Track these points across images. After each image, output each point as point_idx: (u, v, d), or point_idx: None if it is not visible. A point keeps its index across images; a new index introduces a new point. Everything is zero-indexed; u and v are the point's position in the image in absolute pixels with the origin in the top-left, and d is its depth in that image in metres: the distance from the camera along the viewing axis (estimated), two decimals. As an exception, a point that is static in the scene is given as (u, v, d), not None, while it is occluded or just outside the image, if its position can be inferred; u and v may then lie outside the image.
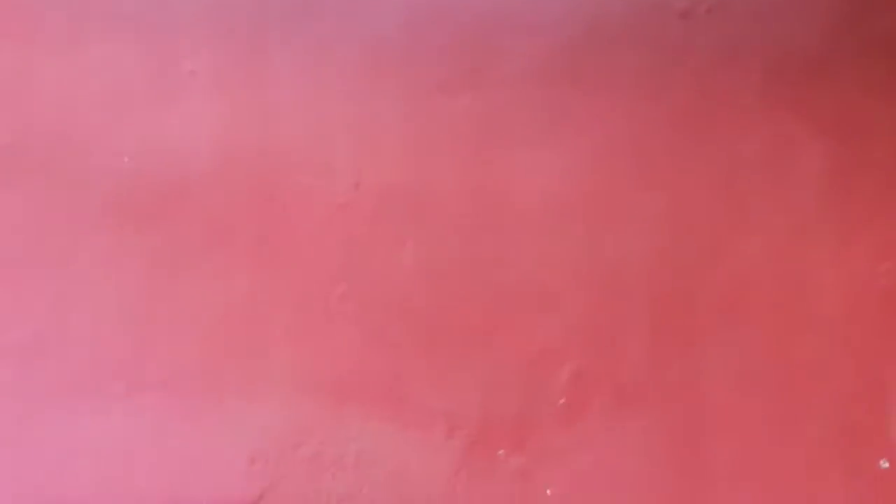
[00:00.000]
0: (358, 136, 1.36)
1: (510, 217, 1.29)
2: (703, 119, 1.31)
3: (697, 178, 1.28)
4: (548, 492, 1.23)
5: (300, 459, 1.28)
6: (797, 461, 1.23)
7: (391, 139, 1.35)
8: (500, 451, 1.25)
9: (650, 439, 1.24)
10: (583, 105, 1.32)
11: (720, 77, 1.32)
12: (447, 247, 1.30)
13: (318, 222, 1.35)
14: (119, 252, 1.34)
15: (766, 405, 1.24)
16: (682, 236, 1.28)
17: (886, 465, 1.23)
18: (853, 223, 1.28)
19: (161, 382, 1.30)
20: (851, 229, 1.28)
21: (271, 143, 1.37)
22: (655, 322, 1.26)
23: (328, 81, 1.37)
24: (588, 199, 1.29)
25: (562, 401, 1.25)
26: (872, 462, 1.24)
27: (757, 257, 1.27)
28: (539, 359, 1.26)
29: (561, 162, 1.29)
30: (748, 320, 1.26)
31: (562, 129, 1.33)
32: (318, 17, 1.37)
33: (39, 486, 1.25)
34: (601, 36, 1.33)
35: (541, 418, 1.25)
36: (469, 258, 1.30)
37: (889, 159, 1.30)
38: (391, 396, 1.29)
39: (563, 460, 1.24)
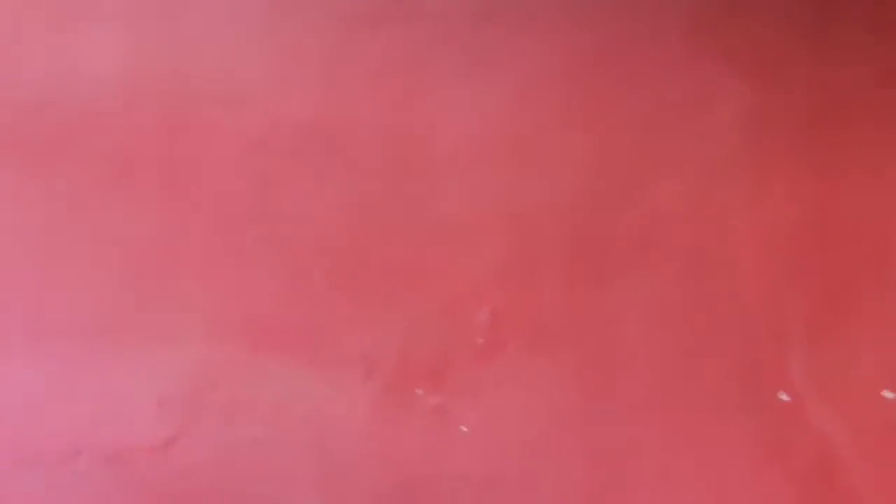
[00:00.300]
0: (275, 68, 1.31)
1: (432, 156, 1.27)
2: (626, 61, 1.31)
3: (620, 119, 1.28)
4: (463, 429, 1.24)
5: (212, 403, 1.25)
6: (703, 395, 1.28)
7: (310, 73, 1.30)
8: (418, 391, 1.25)
9: (564, 377, 1.26)
10: (508, 44, 1.31)
11: (645, 19, 1.33)
12: (366, 186, 1.27)
13: (232, 159, 1.29)
14: (18, 189, 1.27)
15: (676, 342, 1.28)
16: (603, 177, 1.28)
17: (785, 398, 1.29)
18: (768, 166, 1.32)
19: (65, 326, 1.24)
20: (766, 172, 1.32)
21: (183, 75, 1.31)
22: (573, 263, 1.27)
23: (244, 10, 1.30)
24: (511, 139, 1.28)
25: (480, 341, 1.26)
26: (772, 395, 1.30)
27: (675, 198, 1.29)
28: (458, 299, 1.26)
29: (485, 100, 1.28)
30: (663, 260, 1.29)
31: (487, 68, 1.31)
32: (233, -59, 1.30)
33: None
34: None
35: (459, 358, 1.25)
36: (389, 198, 1.27)
37: (805, 104, 1.33)
38: (308, 338, 1.26)
39: (480, 398, 1.25)
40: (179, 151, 1.29)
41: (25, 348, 1.23)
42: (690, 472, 1.28)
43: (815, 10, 1.34)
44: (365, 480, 1.24)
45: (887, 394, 1.32)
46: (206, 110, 1.30)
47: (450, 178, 1.27)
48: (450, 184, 1.27)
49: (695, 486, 1.28)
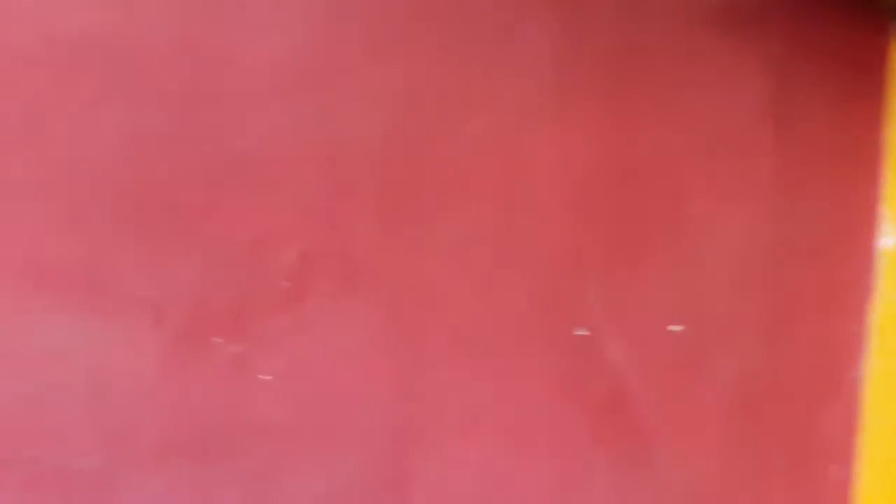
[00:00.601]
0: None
1: (232, 81, 1.14)
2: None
3: (430, 53, 1.23)
4: (266, 378, 1.17)
5: (-28, 359, 1.09)
6: (507, 330, 1.30)
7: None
8: (216, 339, 1.16)
9: (373, 319, 1.22)
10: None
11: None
12: (157, 113, 1.13)
13: (-6, 78, 1.12)
14: None
15: (484, 280, 1.28)
16: (414, 112, 1.23)
17: (582, 332, 1.34)
18: (574, 104, 1.33)
19: None
20: (572, 110, 1.33)
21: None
22: (384, 200, 1.22)
23: None
24: (319, 68, 1.18)
25: (285, 284, 1.19)
26: (570, 330, 1.34)
27: (484, 135, 1.27)
28: (261, 239, 1.17)
29: (291, 24, 1.16)
30: (473, 197, 1.27)
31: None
32: None
33: None
34: None
35: (262, 303, 1.17)
36: (183, 126, 1.14)
37: (614, 41, 1.36)
38: (87, 282, 1.12)
39: (284, 345, 1.18)
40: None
41: None
42: (494, 410, 1.30)
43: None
44: (155, 437, 1.14)
45: (673, 328, 1.41)
46: (-40, 19, 1.11)
47: (251, 107, 1.15)
48: (250, 113, 1.16)
49: (498, 424, 1.30)
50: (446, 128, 1.25)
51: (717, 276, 1.45)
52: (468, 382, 1.28)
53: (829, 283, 1.56)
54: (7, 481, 1.11)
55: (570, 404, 1.35)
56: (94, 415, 1.13)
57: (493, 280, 1.29)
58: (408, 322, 1.24)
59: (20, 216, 1.11)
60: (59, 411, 1.12)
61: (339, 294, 1.20)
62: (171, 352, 1.15)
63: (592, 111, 1.34)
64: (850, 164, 1.57)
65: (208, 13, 1.14)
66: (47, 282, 1.12)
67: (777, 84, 1.48)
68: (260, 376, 1.16)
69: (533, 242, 1.31)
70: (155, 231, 1.14)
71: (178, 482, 1.15)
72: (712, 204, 1.44)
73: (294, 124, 1.18)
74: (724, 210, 1.45)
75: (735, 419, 1.49)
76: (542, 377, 1.33)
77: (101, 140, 1.12)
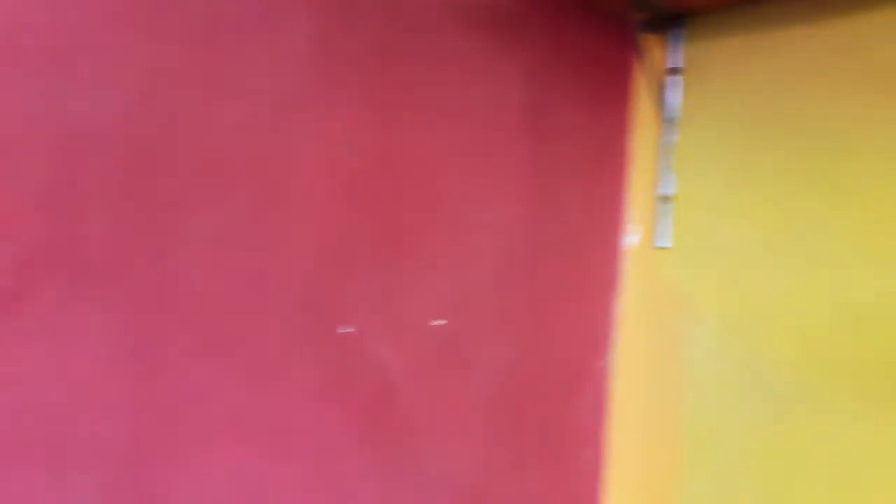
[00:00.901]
0: None
1: None
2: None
3: (181, 32, 1.10)
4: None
5: None
6: (266, 330, 1.22)
7: None
8: None
9: (109, 321, 1.08)
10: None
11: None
12: None
13: None
14: None
15: (240, 277, 1.20)
16: (161, 96, 1.11)
17: (346, 330, 1.30)
18: (336, 95, 1.29)
19: None
20: (334, 101, 1.28)
21: None
22: (127, 189, 1.08)
23: None
24: (47, 40, 1.02)
25: (2, 283, 1.02)
26: (334, 329, 1.30)
27: (240, 124, 1.18)
28: (-30, 233, 1.00)
29: None
30: (227, 190, 1.17)
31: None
32: None
33: None
34: None
35: (-30, 307, 1.00)
36: None
37: (375, 35, 1.32)
38: None
39: (1, 355, 1.01)
40: None
41: None
42: (253, 414, 1.22)
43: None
44: None
45: (436, 322, 1.42)
46: None
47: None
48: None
49: (257, 429, 1.22)
50: (198, 114, 1.14)
51: (477, 272, 1.49)
52: (223, 387, 1.18)
53: (579, 278, 1.66)
54: None
55: (334, 405, 1.30)
56: None
57: (249, 277, 1.20)
58: (150, 325, 1.11)
59: None
60: None
61: (69, 294, 1.05)
62: None
63: (355, 105, 1.30)
64: (598, 168, 1.69)
65: None
66: None
67: (533, 90, 1.55)
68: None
69: (293, 237, 1.24)
70: None
71: None
72: (472, 201, 1.47)
73: (13, 103, 1.01)
74: (483, 208, 1.49)
75: (495, 410, 1.54)
76: (304, 378, 1.26)
77: None
